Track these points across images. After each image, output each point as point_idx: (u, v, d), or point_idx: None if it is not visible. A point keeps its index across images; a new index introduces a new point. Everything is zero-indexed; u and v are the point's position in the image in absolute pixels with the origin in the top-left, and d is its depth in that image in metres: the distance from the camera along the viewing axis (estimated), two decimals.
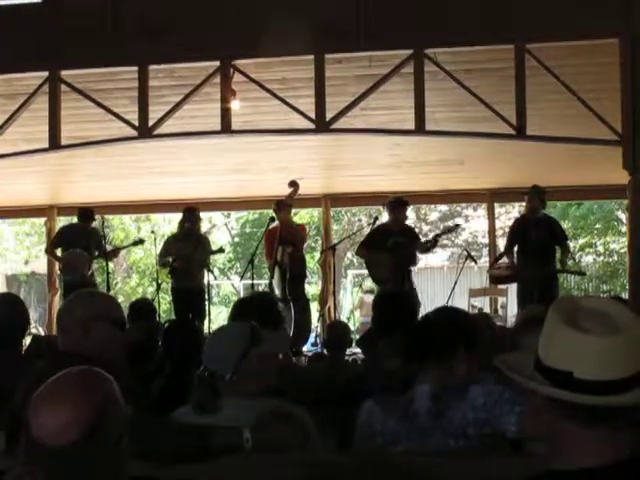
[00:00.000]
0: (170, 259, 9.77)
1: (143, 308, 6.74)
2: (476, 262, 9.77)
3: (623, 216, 19.44)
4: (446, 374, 2.83)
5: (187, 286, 9.64)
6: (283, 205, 9.34)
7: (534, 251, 8.72)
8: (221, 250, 10.76)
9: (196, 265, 9.67)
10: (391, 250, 9.04)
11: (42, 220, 13.84)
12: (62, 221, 12.86)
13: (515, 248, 9.22)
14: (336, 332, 5.81)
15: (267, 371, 2.87)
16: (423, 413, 2.79)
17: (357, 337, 6.28)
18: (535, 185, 9.02)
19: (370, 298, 11.41)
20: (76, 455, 1.66)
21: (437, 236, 9.81)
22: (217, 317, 18.84)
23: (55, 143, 8.23)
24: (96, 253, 9.97)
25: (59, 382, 1.74)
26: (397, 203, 9.31)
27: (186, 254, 9.56)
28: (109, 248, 10.52)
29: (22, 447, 1.71)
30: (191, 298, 9.62)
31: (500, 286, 10.74)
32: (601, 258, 22.43)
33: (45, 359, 3.24)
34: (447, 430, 2.75)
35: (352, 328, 13.79)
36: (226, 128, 7.98)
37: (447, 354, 2.85)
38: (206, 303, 9.99)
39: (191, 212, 9.86)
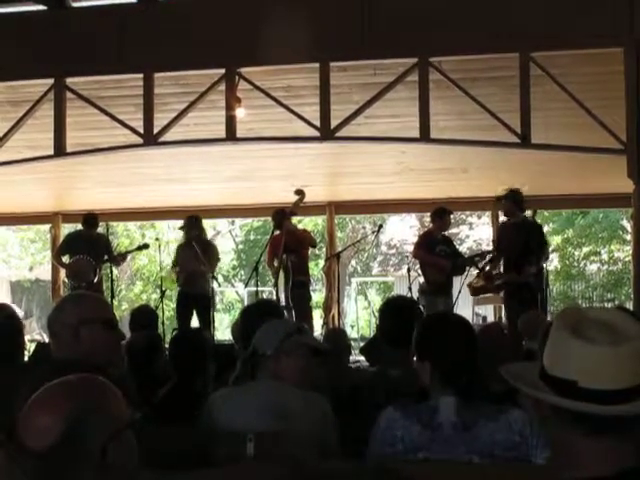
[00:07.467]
0: (178, 268, 9.88)
1: (144, 316, 6.68)
2: (480, 270, 9.74)
3: (628, 225, 19.41)
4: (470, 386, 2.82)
5: (191, 292, 9.66)
6: (281, 216, 9.29)
7: (512, 256, 8.68)
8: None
9: (200, 271, 9.67)
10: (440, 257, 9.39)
11: (47, 227, 13.86)
12: (67, 228, 12.88)
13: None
14: (333, 338, 5.75)
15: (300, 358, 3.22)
16: (447, 426, 2.77)
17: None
18: (509, 189, 8.75)
19: None
20: (55, 461, 1.67)
21: (475, 256, 9.88)
22: (221, 324, 18.84)
23: (60, 150, 8.25)
24: (105, 257, 9.98)
25: (49, 388, 1.76)
26: (444, 212, 9.52)
27: (191, 260, 9.57)
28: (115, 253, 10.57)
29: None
30: (196, 304, 9.64)
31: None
32: (605, 266, 22.41)
33: (42, 367, 3.22)
34: (472, 446, 2.73)
35: (356, 335, 13.73)
36: (231, 136, 8.00)
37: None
38: (211, 310, 9.98)
39: (193, 220, 9.91)
